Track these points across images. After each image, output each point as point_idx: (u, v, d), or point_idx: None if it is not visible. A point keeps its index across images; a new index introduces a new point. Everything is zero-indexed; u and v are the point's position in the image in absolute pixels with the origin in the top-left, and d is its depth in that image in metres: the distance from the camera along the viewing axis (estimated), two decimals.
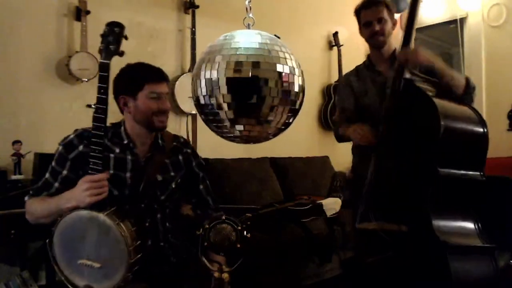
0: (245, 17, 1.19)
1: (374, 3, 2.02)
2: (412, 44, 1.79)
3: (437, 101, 1.70)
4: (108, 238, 1.38)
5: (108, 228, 1.38)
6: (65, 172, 1.51)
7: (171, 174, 1.64)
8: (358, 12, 2.07)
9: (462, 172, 1.73)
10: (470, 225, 1.72)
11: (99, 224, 1.38)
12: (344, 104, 2.24)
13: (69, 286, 1.41)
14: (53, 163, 1.54)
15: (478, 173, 1.76)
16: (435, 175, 1.66)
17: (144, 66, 1.58)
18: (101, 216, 1.38)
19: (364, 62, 2.19)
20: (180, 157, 1.70)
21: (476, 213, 1.74)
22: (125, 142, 1.57)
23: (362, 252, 2.02)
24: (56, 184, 1.52)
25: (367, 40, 2.10)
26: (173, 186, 1.62)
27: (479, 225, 1.72)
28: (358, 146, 2.08)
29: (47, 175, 1.54)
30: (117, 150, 1.56)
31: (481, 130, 1.76)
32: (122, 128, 1.59)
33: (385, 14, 2.01)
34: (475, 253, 1.69)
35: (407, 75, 1.78)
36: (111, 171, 1.51)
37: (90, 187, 1.38)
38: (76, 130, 1.57)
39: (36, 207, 1.50)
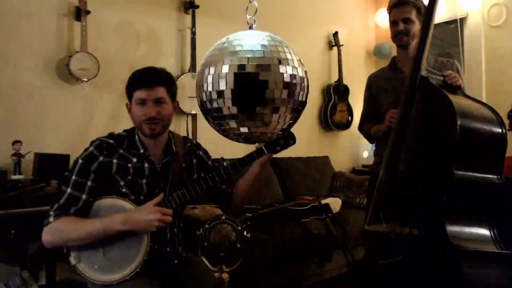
0: (250, 17, 1.19)
1: (403, 3, 2.02)
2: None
3: (453, 99, 1.64)
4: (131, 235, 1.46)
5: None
6: (89, 182, 1.47)
7: (183, 178, 1.64)
8: (389, 10, 2.09)
9: (479, 175, 1.64)
10: (485, 230, 1.64)
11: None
12: (365, 109, 2.36)
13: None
14: (73, 177, 1.48)
15: (495, 176, 1.67)
16: (450, 178, 1.59)
17: (138, 72, 1.56)
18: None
19: (389, 63, 2.22)
20: (194, 161, 1.72)
21: (493, 217, 1.66)
22: (141, 151, 1.56)
23: (373, 254, 1.98)
24: (84, 196, 1.46)
25: (392, 39, 2.11)
26: (184, 191, 1.55)
27: (495, 230, 1.63)
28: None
29: (68, 190, 1.47)
30: (135, 160, 1.55)
31: (500, 131, 1.68)
32: (137, 137, 1.58)
33: (413, 15, 2.01)
34: (490, 259, 1.61)
35: (424, 72, 1.76)
36: (129, 177, 1.52)
37: (161, 219, 1.42)
38: (92, 141, 1.54)
39: (72, 228, 1.43)
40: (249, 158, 1.58)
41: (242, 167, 1.59)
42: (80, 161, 1.50)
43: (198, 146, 1.78)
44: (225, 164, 1.61)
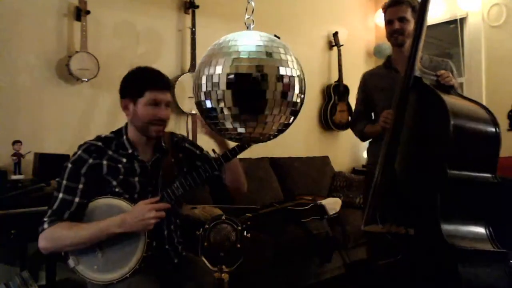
0: (247, 18, 1.19)
1: (398, 2, 2.04)
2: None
3: (447, 99, 1.64)
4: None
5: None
6: (81, 185, 1.48)
7: (174, 174, 1.64)
8: (385, 9, 2.11)
9: (473, 174, 1.65)
10: (481, 229, 1.64)
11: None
12: (358, 107, 2.35)
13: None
14: (64, 182, 1.48)
15: (490, 175, 1.67)
16: (444, 177, 1.60)
17: (149, 72, 1.56)
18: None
19: (384, 61, 2.23)
20: (181, 154, 1.72)
21: (488, 216, 1.66)
22: (130, 151, 1.56)
23: (372, 254, 1.98)
24: (77, 199, 1.47)
25: (387, 38, 2.12)
26: (176, 184, 1.56)
27: (490, 229, 1.64)
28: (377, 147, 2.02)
29: (60, 195, 1.47)
30: (124, 160, 1.55)
31: (494, 130, 1.69)
32: (125, 137, 1.58)
33: (408, 14, 2.03)
34: (486, 258, 1.61)
35: (417, 73, 1.76)
36: (121, 177, 1.51)
37: (156, 216, 1.43)
38: (80, 145, 1.54)
39: (67, 234, 1.43)
40: (240, 148, 1.58)
41: (233, 157, 1.59)
42: (69, 165, 1.49)
43: (184, 139, 1.78)
44: (215, 155, 1.60)
